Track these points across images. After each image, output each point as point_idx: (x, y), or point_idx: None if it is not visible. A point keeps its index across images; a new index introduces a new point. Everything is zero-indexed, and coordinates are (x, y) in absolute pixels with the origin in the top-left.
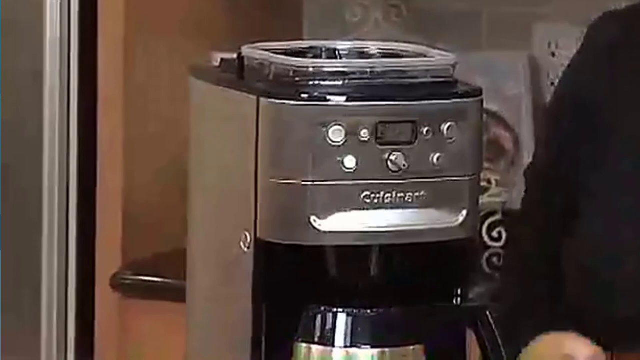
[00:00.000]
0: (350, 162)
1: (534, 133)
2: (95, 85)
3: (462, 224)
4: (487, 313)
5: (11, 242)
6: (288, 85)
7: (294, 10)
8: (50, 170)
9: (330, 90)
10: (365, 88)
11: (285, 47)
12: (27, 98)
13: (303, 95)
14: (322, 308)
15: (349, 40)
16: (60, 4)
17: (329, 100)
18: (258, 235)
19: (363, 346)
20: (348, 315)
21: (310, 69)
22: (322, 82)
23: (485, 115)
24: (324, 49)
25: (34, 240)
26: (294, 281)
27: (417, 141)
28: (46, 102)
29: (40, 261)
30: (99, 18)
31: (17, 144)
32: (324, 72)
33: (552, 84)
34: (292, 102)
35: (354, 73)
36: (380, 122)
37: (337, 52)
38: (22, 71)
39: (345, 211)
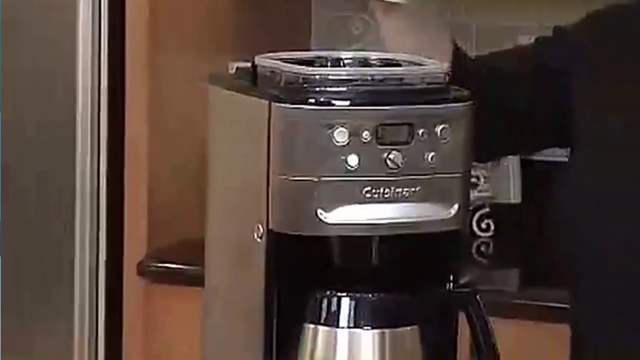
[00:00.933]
0: (353, 160)
1: None
2: (124, 91)
3: (454, 216)
4: (477, 297)
5: (47, 235)
6: (297, 91)
7: (302, 24)
8: (82, 169)
9: (335, 96)
10: (367, 94)
11: (294, 57)
12: (57, 100)
13: (310, 100)
14: (328, 292)
15: (352, 50)
16: (92, 21)
17: (333, 105)
18: (270, 226)
19: (364, 327)
20: (351, 299)
21: (317, 77)
22: (327, 88)
23: None
24: (329, 59)
25: (68, 232)
26: (302, 268)
27: (413, 142)
28: (79, 107)
29: (74, 252)
30: (127, 31)
31: (53, 146)
32: (329, 79)
33: None
34: (300, 107)
35: (356, 80)
36: (380, 125)
37: (341, 61)
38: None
39: (349, 205)
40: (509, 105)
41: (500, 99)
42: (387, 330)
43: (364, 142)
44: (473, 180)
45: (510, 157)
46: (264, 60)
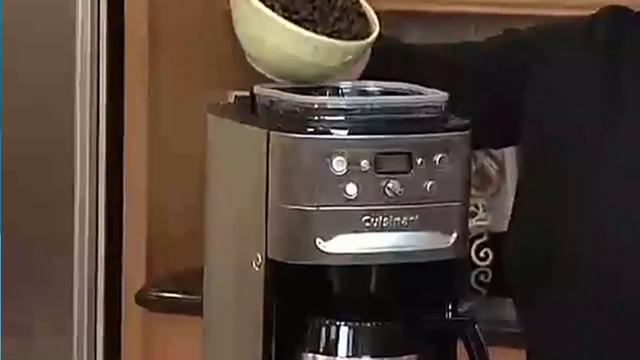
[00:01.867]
0: (351, 189)
1: (517, 163)
2: (122, 121)
3: (452, 245)
4: (475, 326)
5: (45, 264)
6: (295, 120)
7: None
8: (82, 198)
9: (334, 125)
10: (365, 123)
11: (293, 86)
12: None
13: (309, 130)
14: (327, 321)
15: (351, 80)
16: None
17: (332, 134)
18: (268, 255)
19: (363, 356)
20: (349, 327)
21: (316, 106)
22: (326, 118)
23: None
24: (328, 87)
25: (66, 260)
26: (301, 297)
27: (411, 170)
28: (77, 135)
29: (72, 280)
30: (126, 60)
31: (48, 172)
32: (328, 108)
33: None
34: (299, 136)
35: (355, 109)
36: (379, 154)
37: (340, 91)
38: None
39: (347, 234)
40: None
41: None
42: (386, 359)
43: (363, 171)
44: (472, 209)
45: (509, 185)
46: (263, 89)
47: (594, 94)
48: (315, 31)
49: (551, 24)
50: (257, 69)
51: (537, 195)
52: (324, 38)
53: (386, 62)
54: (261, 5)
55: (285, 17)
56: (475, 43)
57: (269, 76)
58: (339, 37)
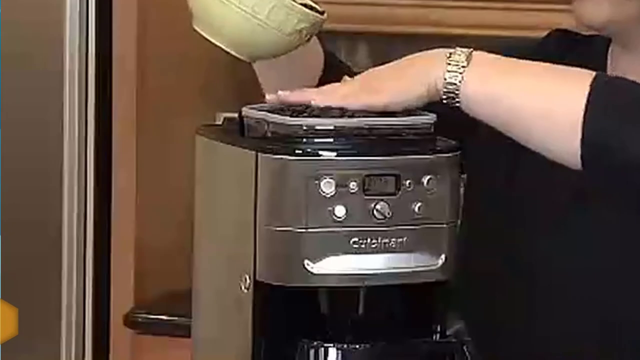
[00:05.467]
0: (340, 211)
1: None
2: (110, 141)
3: (441, 267)
4: (464, 347)
5: (33, 286)
6: (284, 142)
7: None
8: (70, 220)
9: (322, 147)
10: (354, 144)
11: (281, 107)
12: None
13: (297, 151)
14: (315, 343)
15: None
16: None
17: (320, 156)
18: (256, 277)
19: None
20: (338, 349)
21: (304, 127)
22: (314, 139)
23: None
24: (316, 109)
25: (54, 282)
26: (289, 318)
27: (400, 192)
28: (65, 157)
29: (60, 302)
30: (114, 80)
31: (36, 192)
32: (316, 130)
33: None
34: (287, 157)
35: (343, 131)
36: (367, 175)
37: (328, 112)
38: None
39: (336, 255)
40: None
41: None
42: None
43: (351, 193)
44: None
45: None
46: (251, 111)
47: None
48: None
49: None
50: (213, 40)
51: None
52: None
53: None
54: None
55: None
56: None
57: (225, 50)
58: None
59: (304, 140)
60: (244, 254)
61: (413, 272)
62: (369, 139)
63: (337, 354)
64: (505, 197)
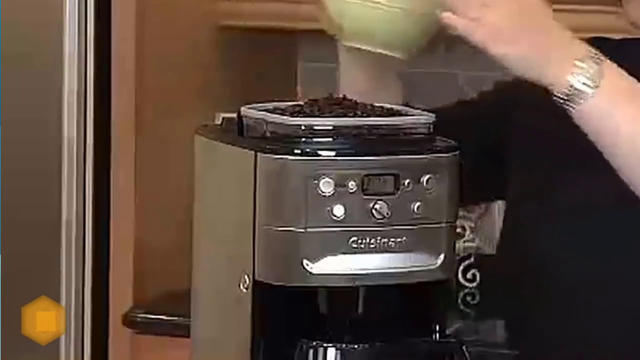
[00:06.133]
0: (339, 210)
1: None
2: (109, 143)
3: (439, 266)
4: (463, 347)
5: (32, 286)
6: (283, 142)
7: (288, 75)
8: (68, 219)
9: (321, 146)
10: (353, 144)
11: (280, 107)
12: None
13: (296, 151)
14: (314, 343)
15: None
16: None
17: (319, 155)
18: (256, 277)
19: None
20: (337, 349)
21: (303, 127)
22: (313, 139)
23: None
24: (316, 107)
25: (53, 281)
26: (288, 318)
27: (399, 192)
28: (64, 156)
29: (58, 300)
30: (113, 81)
31: (35, 193)
32: (315, 129)
33: None
34: (286, 157)
35: (342, 130)
36: (366, 175)
37: (326, 112)
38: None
39: (335, 255)
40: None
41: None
42: None
43: (350, 193)
44: (459, 230)
45: (497, 206)
46: (250, 111)
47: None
48: None
49: None
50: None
51: (523, 221)
52: None
53: None
54: None
55: None
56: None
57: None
58: None
59: (303, 140)
60: (243, 253)
61: (412, 271)
62: (368, 139)
63: (337, 353)
64: (544, 197)
